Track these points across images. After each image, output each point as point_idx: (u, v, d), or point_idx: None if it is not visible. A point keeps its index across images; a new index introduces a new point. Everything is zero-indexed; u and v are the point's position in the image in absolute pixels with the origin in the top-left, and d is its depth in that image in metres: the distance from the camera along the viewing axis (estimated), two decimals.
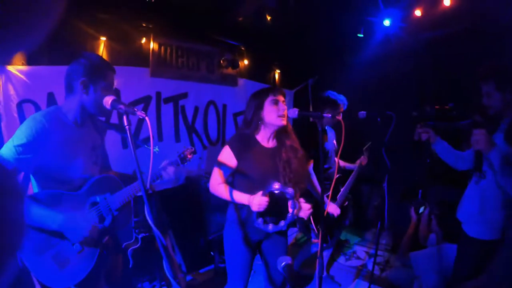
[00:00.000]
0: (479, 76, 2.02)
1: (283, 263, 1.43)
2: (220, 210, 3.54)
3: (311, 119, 3.14)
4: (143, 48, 3.42)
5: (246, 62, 4.44)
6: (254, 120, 2.17)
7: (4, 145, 1.60)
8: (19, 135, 1.60)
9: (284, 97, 2.21)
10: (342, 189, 3.25)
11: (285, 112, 2.14)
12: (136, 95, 3.35)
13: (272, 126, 2.17)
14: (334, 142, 3.36)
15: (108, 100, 1.58)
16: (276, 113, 2.12)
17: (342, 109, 3.19)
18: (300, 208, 2.14)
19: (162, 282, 3.25)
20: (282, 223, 2.10)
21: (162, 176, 1.96)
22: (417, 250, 3.24)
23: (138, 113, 1.46)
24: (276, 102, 2.14)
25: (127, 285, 2.22)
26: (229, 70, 4.20)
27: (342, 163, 3.50)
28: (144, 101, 3.42)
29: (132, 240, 3.16)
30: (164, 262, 1.49)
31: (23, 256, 1.65)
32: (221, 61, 4.06)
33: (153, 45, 3.44)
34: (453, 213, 2.35)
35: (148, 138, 3.40)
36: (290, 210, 2.07)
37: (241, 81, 4.42)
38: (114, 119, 3.14)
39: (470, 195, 2.22)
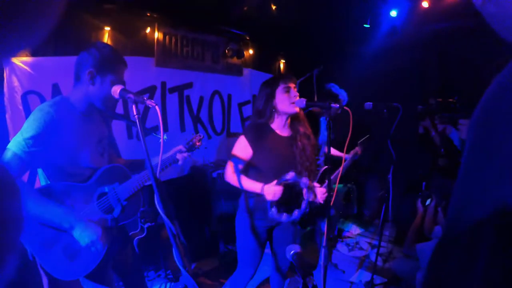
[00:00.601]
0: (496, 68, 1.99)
1: (292, 251, 1.44)
2: (225, 199, 3.56)
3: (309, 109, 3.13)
4: (148, 38, 3.40)
5: (251, 52, 4.42)
6: (267, 110, 2.16)
7: (13, 139, 1.55)
8: (28, 128, 1.56)
9: (295, 83, 2.19)
10: (329, 179, 3.22)
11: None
12: (141, 85, 3.34)
13: (285, 114, 2.17)
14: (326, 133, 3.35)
15: (116, 90, 1.56)
16: (288, 101, 2.11)
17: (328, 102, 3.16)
18: (315, 196, 2.16)
19: (168, 271, 3.29)
20: (296, 212, 2.13)
21: (178, 160, 1.98)
22: (422, 242, 3.25)
23: (148, 102, 1.45)
24: (288, 90, 2.13)
25: (138, 275, 2.23)
26: (234, 60, 4.18)
27: (333, 151, 3.45)
28: (149, 91, 3.41)
29: (138, 230, 3.19)
30: (174, 251, 1.49)
31: (33, 250, 1.65)
32: (226, 51, 4.04)
33: (158, 35, 3.43)
34: None
35: (154, 127, 3.40)
36: (305, 198, 2.08)
37: (246, 71, 4.40)
38: (118, 109, 3.13)
39: None
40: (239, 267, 2.35)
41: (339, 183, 4.48)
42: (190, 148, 2.04)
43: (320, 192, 2.22)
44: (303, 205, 2.12)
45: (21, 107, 2.52)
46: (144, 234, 3.17)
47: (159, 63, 3.46)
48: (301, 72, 5.03)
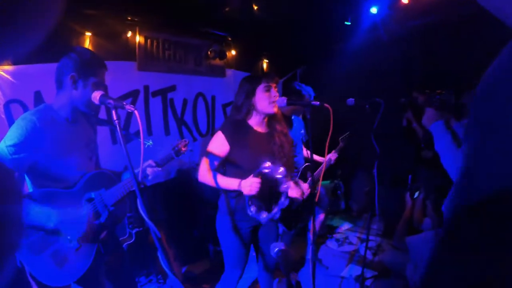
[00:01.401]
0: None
1: (276, 249, 1.44)
2: (213, 201, 3.56)
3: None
4: (130, 42, 3.38)
5: (233, 52, 4.42)
6: (244, 106, 2.14)
7: None
8: (10, 136, 1.58)
9: (277, 83, 2.19)
10: (309, 179, 3.25)
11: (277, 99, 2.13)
12: (124, 90, 3.32)
13: (263, 113, 2.16)
14: (302, 131, 3.37)
15: (96, 96, 1.58)
16: (268, 100, 2.11)
17: (308, 100, 3.16)
18: (294, 188, 2.15)
19: (159, 276, 3.28)
20: (275, 209, 2.11)
21: (148, 175, 1.93)
22: (412, 234, 3.29)
23: (127, 107, 1.46)
24: (268, 89, 2.12)
25: (130, 281, 2.22)
26: (217, 61, 4.18)
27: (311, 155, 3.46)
28: (132, 96, 3.39)
29: (126, 236, 3.16)
30: (159, 254, 1.49)
31: (21, 256, 1.65)
32: (209, 53, 4.03)
33: (139, 39, 3.40)
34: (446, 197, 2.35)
35: (138, 131, 3.37)
36: (283, 189, 2.07)
37: (229, 72, 4.40)
38: (102, 115, 3.10)
39: None
40: (226, 269, 2.34)
41: (326, 180, 4.53)
42: (177, 153, 2.03)
43: (304, 188, 2.24)
44: (282, 198, 2.10)
45: (3, 116, 2.50)
46: (133, 239, 3.15)
47: (141, 67, 3.44)
48: (284, 71, 5.08)
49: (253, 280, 3.28)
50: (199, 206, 3.63)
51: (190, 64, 3.92)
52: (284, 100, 2.10)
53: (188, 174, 3.66)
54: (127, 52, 3.35)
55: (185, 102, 3.92)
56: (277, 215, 2.15)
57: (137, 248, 3.14)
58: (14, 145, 1.56)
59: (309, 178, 2.98)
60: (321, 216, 3.58)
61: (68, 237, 1.66)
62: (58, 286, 1.69)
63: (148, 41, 3.49)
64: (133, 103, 3.39)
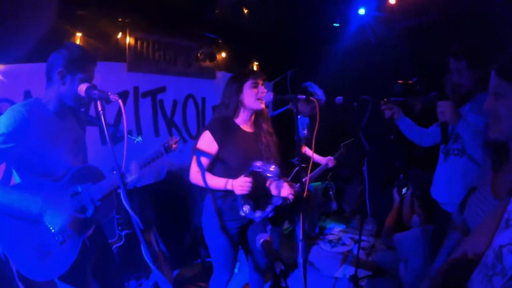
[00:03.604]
0: (452, 52, 2.05)
1: (261, 240, 1.43)
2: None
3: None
4: (120, 43, 3.38)
5: (223, 54, 4.44)
6: (232, 103, 2.15)
7: None
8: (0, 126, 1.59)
9: (264, 80, 2.20)
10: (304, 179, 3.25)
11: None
12: (114, 91, 3.25)
13: (251, 110, 2.16)
14: (305, 131, 3.37)
15: (82, 88, 1.61)
16: (255, 96, 2.12)
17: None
18: (285, 187, 2.13)
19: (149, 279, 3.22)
20: (269, 208, 2.10)
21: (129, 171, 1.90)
22: (401, 231, 3.29)
23: (111, 96, 1.51)
24: (256, 85, 2.14)
25: (117, 281, 2.18)
26: (207, 63, 4.19)
27: (311, 154, 3.46)
28: (121, 96, 3.37)
29: (116, 238, 3.12)
30: (142, 247, 1.47)
31: (5, 248, 1.64)
32: (199, 54, 4.05)
33: (129, 40, 3.41)
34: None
35: (128, 131, 3.36)
36: (275, 187, 2.05)
37: (219, 74, 4.42)
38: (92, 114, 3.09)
39: (447, 173, 2.17)
40: (214, 272, 2.30)
41: (317, 181, 4.52)
42: (166, 150, 2.01)
43: (295, 187, 2.22)
44: (275, 197, 2.09)
45: None
46: (122, 241, 3.11)
47: (131, 68, 3.44)
48: (274, 74, 5.08)
49: (245, 283, 3.24)
50: (191, 207, 3.59)
51: (180, 66, 3.93)
52: (271, 95, 2.12)
53: (179, 175, 3.63)
54: (117, 53, 3.34)
55: (175, 103, 3.92)
56: (271, 214, 2.14)
57: (127, 251, 3.09)
58: (1, 135, 1.57)
59: (304, 179, 2.99)
60: None
61: (52, 230, 1.64)
62: (40, 281, 1.67)
63: (139, 42, 3.50)
64: (123, 104, 3.36)
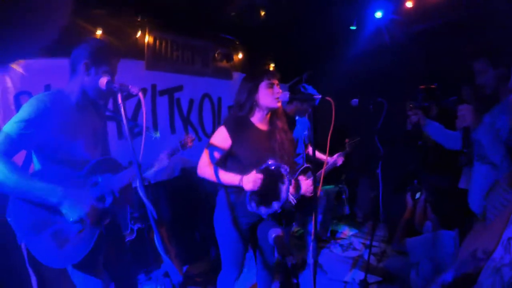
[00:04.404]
0: (470, 54, 2.02)
1: (273, 235, 1.44)
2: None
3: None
4: (139, 42, 3.44)
5: (240, 56, 4.48)
6: (247, 103, 2.17)
7: (7, 123, 1.62)
8: (22, 112, 1.64)
9: (279, 80, 2.22)
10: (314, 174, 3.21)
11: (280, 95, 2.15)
12: None
13: (266, 109, 2.18)
14: (306, 132, 3.35)
15: (103, 81, 1.68)
16: (272, 96, 2.13)
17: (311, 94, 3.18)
18: (297, 186, 2.15)
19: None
20: (276, 205, 2.09)
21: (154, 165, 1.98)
22: (413, 236, 3.24)
23: (132, 89, 1.53)
24: (271, 86, 2.15)
25: (128, 274, 2.21)
26: (224, 64, 4.25)
27: (317, 153, 3.44)
28: None
29: (128, 231, 3.17)
30: (155, 236, 1.50)
31: (22, 234, 1.66)
32: (216, 55, 4.10)
33: (148, 39, 3.47)
34: (448, 200, 2.30)
35: (147, 127, 3.42)
36: (285, 184, 2.06)
37: (235, 75, 4.47)
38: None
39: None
40: (223, 268, 2.31)
41: (330, 184, 4.50)
42: (183, 146, 2.08)
43: (306, 185, 2.23)
44: (283, 194, 2.09)
45: (13, 108, 2.55)
46: (134, 235, 3.15)
47: (149, 66, 3.51)
48: (290, 76, 5.12)
49: (253, 284, 3.24)
50: (203, 205, 3.62)
51: (197, 66, 3.98)
52: (287, 94, 2.13)
53: (193, 173, 3.67)
54: (136, 51, 3.41)
55: (191, 102, 3.98)
56: (279, 211, 2.14)
57: (138, 245, 3.14)
58: (23, 121, 1.60)
59: (311, 177, 2.97)
60: None
61: (71, 219, 1.66)
62: (53, 268, 1.68)
63: (157, 41, 3.56)
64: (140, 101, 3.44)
